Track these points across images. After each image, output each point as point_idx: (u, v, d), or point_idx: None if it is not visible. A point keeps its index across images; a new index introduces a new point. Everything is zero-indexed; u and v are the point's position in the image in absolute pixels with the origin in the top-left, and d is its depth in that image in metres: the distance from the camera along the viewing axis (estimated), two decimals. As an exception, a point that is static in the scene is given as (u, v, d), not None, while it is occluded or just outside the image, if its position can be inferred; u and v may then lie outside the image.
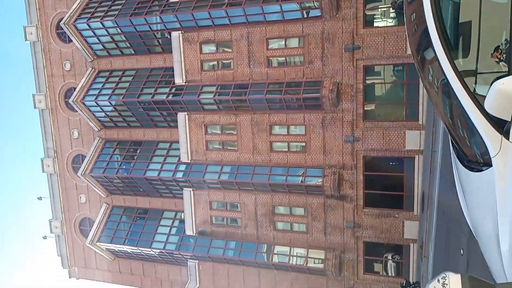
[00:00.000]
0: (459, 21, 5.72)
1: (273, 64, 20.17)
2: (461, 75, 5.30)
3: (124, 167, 24.55)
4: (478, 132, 5.17)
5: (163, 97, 22.04)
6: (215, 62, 21.16)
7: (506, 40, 4.93)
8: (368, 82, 19.12)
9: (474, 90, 5.25)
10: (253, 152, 21.30)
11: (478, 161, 5.64)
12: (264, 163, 21.23)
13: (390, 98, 19.51)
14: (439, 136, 15.76)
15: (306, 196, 20.87)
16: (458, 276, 3.42)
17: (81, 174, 24.63)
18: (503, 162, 4.93)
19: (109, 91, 23.50)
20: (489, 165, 5.21)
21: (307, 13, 18.77)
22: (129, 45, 22.84)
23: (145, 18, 20.99)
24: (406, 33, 7.15)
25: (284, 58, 19.94)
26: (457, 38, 5.68)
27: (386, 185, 20.22)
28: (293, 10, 18.71)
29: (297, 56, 19.63)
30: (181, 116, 22.07)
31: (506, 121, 4.77)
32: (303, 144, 20.48)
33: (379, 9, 18.44)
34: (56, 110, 26.24)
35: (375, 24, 18.49)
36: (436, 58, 5.57)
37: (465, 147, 6.00)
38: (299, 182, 20.45)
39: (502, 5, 5.20)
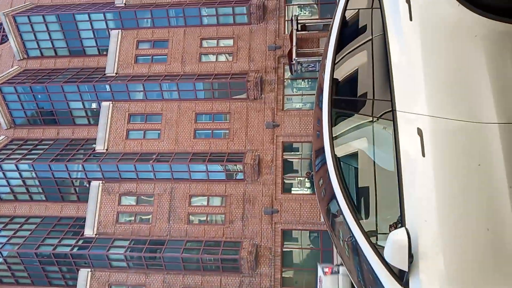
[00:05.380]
0: (359, 186, 6.26)
1: (194, 221, 19.90)
2: (365, 230, 5.55)
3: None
4: (382, 285, 5.21)
5: (67, 249, 19.85)
6: (133, 215, 20.33)
7: (400, 217, 5.41)
8: (286, 246, 19.31)
9: (376, 242, 5.47)
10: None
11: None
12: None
13: (307, 264, 19.55)
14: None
15: None
16: None
17: None
18: None
19: (4, 240, 20.68)
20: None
21: (231, 175, 19.83)
22: (41, 191, 21.41)
23: (65, 165, 20.46)
24: (317, 198, 7.66)
25: (205, 216, 19.89)
26: (359, 200, 6.14)
27: None
28: (218, 171, 19.71)
29: (219, 214, 19.75)
30: (83, 273, 19.62)
31: (405, 272, 4.87)
32: (218, 312, 18.72)
33: (296, 178, 20.16)
34: None
35: (292, 191, 19.89)
36: (343, 218, 5.91)
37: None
38: None
39: (391, 173, 5.72)
